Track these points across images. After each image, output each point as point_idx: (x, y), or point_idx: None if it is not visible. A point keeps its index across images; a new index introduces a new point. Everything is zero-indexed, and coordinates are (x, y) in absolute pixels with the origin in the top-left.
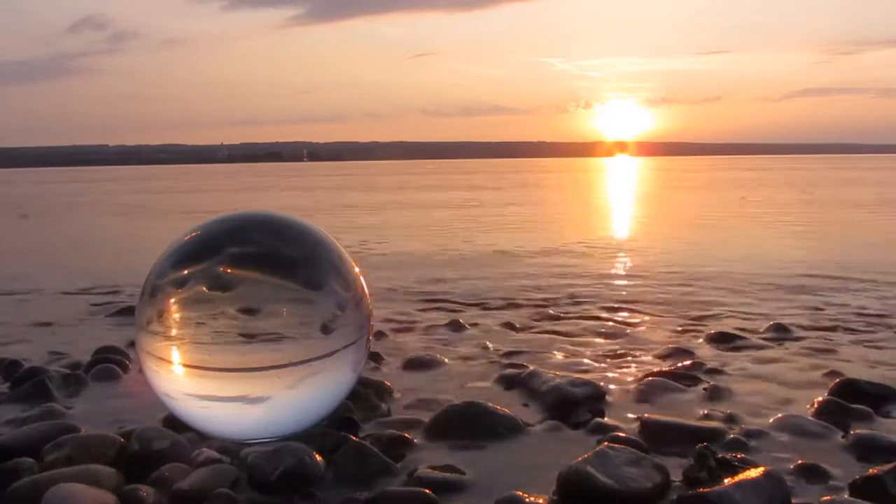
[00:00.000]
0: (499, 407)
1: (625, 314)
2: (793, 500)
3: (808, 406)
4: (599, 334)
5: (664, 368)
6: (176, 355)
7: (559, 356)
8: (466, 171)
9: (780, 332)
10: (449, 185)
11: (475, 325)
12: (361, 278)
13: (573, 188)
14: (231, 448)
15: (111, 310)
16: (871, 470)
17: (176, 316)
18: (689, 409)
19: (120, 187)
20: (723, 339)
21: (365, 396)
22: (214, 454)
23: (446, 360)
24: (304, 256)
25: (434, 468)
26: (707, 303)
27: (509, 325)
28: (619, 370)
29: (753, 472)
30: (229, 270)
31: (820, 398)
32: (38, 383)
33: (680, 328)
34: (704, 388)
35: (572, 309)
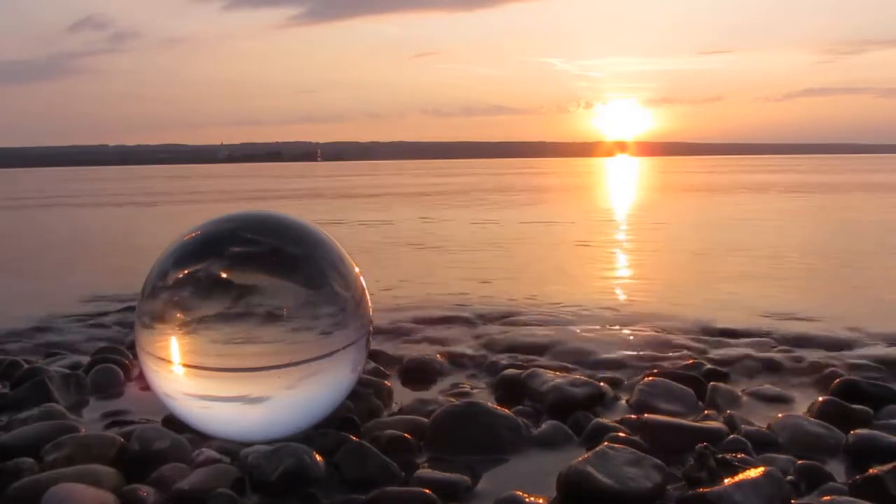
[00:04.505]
0: (499, 407)
1: (625, 314)
2: (793, 500)
3: (808, 406)
4: (599, 334)
5: (664, 368)
6: (176, 355)
7: (559, 355)
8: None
9: (781, 331)
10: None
11: (476, 323)
12: (361, 278)
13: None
14: (231, 448)
15: (111, 309)
16: (871, 470)
17: (176, 316)
18: (689, 409)
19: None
20: (723, 338)
21: (365, 396)
22: (214, 454)
23: (446, 359)
24: (304, 256)
25: (434, 468)
26: (708, 300)
27: (509, 324)
28: (619, 370)
29: (753, 472)
30: (229, 270)
31: (820, 398)
32: (38, 383)
33: (680, 327)
34: (705, 388)
35: (572, 308)
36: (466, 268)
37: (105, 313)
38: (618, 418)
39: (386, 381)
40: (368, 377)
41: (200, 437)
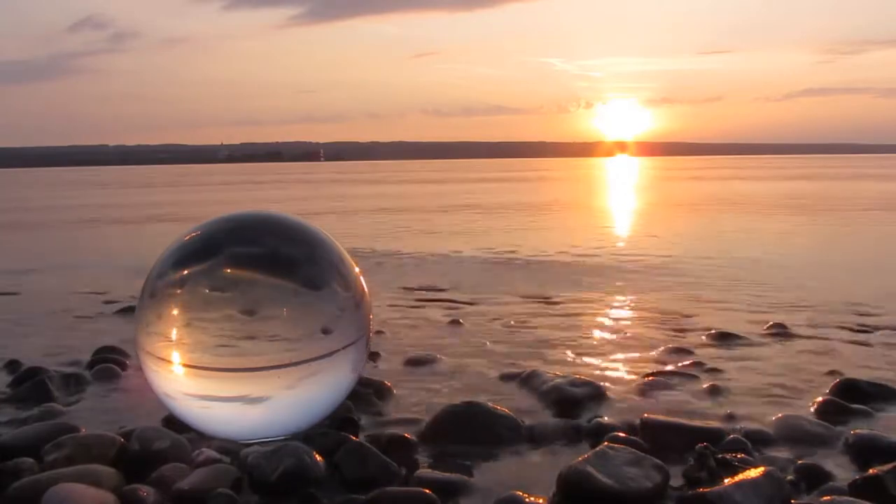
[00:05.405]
0: (499, 407)
1: (625, 314)
2: (793, 500)
3: (808, 406)
4: (599, 334)
5: (664, 368)
6: (176, 355)
7: (559, 356)
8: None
9: (780, 332)
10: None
11: (475, 322)
12: (361, 278)
13: None
14: (231, 448)
15: (111, 309)
16: (871, 470)
17: (176, 316)
18: (689, 409)
19: None
20: (723, 339)
21: (365, 396)
22: (214, 454)
23: (446, 358)
24: (304, 257)
25: (434, 468)
26: (708, 302)
27: (509, 324)
28: (619, 370)
29: (753, 472)
30: (229, 271)
31: (820, 398)
32: (38, 383)
33: (680, 327)
34: (704, 388)
35: (573, 308)
36: None
37: (104, 313)
38: (618, 418)
39: (386, 381)
40: (368, 377)
41: (200, 437)
